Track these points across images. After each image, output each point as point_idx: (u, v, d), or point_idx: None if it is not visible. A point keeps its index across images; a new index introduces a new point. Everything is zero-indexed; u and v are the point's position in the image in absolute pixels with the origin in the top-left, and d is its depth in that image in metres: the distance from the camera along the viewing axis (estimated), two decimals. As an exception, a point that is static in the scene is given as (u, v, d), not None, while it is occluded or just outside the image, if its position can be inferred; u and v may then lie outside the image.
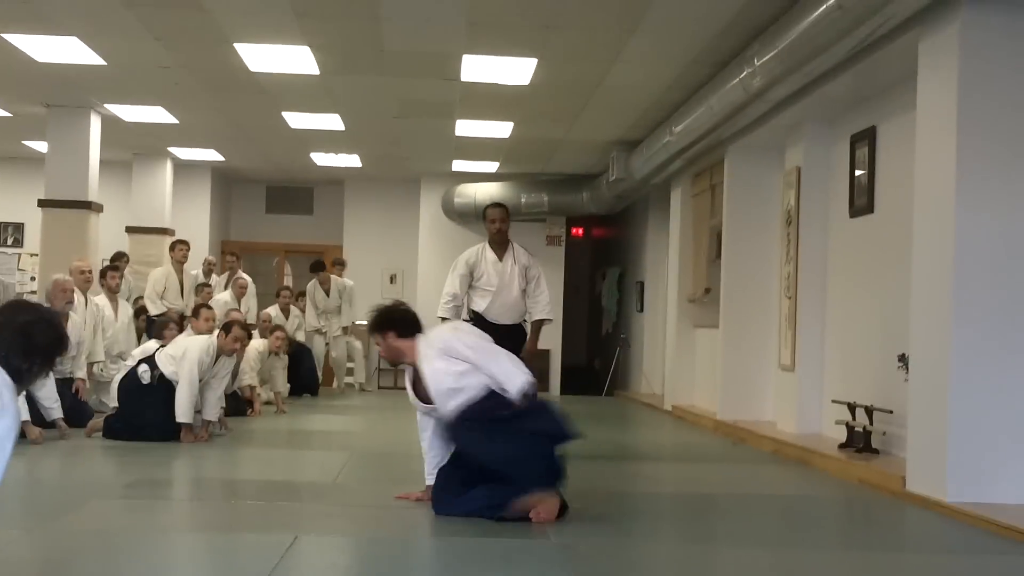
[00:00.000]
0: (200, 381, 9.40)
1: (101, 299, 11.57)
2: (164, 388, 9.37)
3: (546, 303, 9.26)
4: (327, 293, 16.63)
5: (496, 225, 9.18)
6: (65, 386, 9.91)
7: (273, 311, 15.71)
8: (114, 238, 17.16)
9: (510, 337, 8.67)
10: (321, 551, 5.36)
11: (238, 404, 11.91)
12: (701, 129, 11.32)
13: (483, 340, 6.43)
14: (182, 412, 9.28)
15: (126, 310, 12.39)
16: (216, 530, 5.90)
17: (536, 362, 18.56)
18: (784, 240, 11.30)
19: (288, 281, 20.42)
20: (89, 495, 6.73)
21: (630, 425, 13.42)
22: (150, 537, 5.62)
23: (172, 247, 15.06)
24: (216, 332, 9.98)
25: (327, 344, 16.67)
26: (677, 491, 8.06)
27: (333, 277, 16.83)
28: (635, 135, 14.12)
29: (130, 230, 17.58)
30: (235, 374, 11.42)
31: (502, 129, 14.29)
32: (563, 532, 5.91)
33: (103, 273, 11.89)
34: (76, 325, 10.15)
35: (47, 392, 9.12)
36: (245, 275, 15.41)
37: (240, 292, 14.87)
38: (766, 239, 12.12)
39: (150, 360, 9.56)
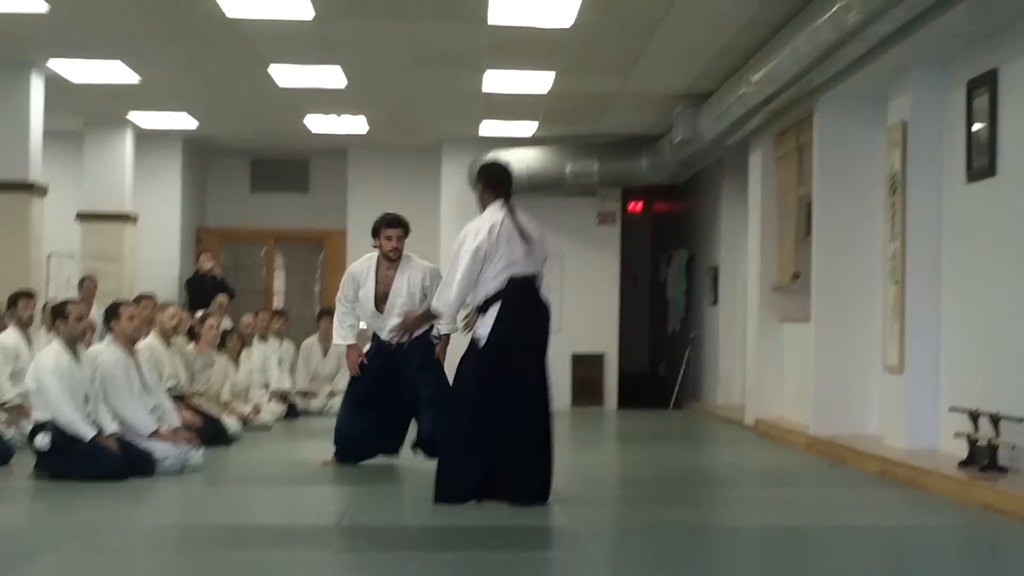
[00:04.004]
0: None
1: (10, 335, 11.39)
2: None
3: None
4: (325, 352, 16.50)
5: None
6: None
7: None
8: (63, 226, 17.26)
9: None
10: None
11: (216, 430, 12.01)
12: (785, 77, 11.42)
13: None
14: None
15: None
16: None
17: (586, 369, 18.63)
18: (888, 212, 11.41)
19: (279, 278, 20.59)
20: (39, 546, 6.73)
21: (704, 444, 13.55)
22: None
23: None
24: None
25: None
26: (761, 524, 8.19)
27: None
28: (704, 86, 14.24)
29: (83, 217, 17.70)
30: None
31: (541, 82, 14.42)
32: (622, 573, 6.05)
33: (12, 301, 11.67)
34: None
35: None
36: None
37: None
38: (866, 211, 12.28)
39: None
